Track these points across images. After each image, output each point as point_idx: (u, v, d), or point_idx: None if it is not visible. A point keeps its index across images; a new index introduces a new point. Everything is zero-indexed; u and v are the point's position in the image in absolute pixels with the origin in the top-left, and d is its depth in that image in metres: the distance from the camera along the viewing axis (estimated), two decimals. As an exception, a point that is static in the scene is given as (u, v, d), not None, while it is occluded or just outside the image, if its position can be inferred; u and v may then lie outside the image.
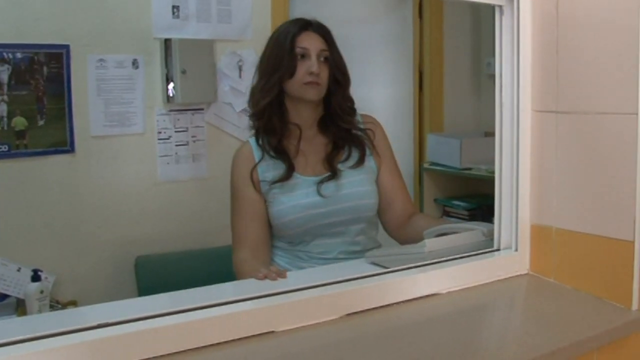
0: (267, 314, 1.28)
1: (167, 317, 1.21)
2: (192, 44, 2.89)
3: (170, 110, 2.93)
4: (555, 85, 1.55)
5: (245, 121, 3.04)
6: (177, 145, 2.95)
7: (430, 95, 3.85)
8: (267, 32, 3.09)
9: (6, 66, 2.55)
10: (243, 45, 3.07)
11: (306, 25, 1.87)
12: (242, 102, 3.06)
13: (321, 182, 1.84)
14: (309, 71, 1.81)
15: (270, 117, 1.84)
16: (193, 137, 2.99)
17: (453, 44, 3.90)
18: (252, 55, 3.07)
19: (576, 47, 1.50)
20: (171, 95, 2.88)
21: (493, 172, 1.67)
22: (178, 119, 2.95)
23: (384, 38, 3.76)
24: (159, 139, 2.91)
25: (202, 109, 3.00)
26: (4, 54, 2.54)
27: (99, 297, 2.65)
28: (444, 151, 3.60)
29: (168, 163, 2.94)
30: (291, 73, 1.81)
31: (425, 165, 3.74)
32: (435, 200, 3.79)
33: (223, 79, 3.03)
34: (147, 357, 1.15)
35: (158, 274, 2.78)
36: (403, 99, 3.84)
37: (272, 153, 1.85)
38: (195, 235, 2.97)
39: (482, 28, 3.96)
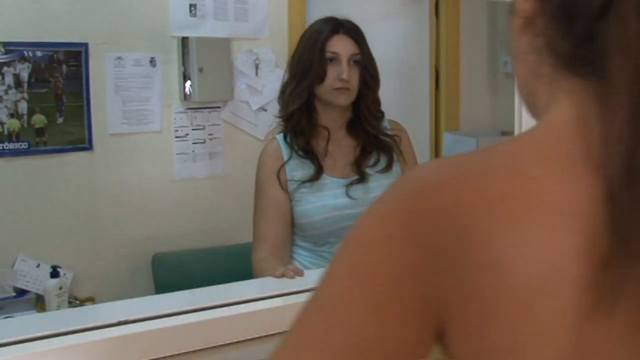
0: (286, 312, 1.29)
1: (185, 315, 1.22)
2: (209, 42, 2.90)
3: (188, 108, 2.94)
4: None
5: (262, 119, 3.08)
6: (193, 143, 2.96)
7: (446, 93, 3.83)
8: (283, 31, 3.13)
9: (26, 64, 2.57)
10: (260, 44, 3.07)
11: (337, 27, 1.85)
12: (258, 100, 3.07)
13: (350, 184, 1.83)
14: (339, 77, 1.80)
15: (299, 119, 1.84)
16: (210, 135, 3.00)
17: (469, 42, 3.88)
18: (268, 54, 3.08)
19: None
20: (188, 93, 2.89)
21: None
22: (195, 117, 2.96)
23: (400, 36, 3.75)
24: (176, 137, 2.93)
25: (219, 107, 3.01)
26: (24, 52, 2.57)
27: (116, 293, 2.67)
28: (460, 150, 3.58)
29: (185, 161, 2.95)
30: (321, 78, 1.81)
31: (442, 164, 3.73)
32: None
33: (240, 77, 3.04)
34: (165, 355, 1.16)
35: (175, 271, 2.79)
36: (419, 97, 3.83)
37: (300, 153, 1.85)
38: (211, 232, 2.98)
39: (498, 26, 3.94)
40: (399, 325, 0.52)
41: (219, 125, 3.02)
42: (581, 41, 0.51)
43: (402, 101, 3.74)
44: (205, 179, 3.00)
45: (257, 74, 3.06)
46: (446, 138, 3.73)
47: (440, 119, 3.85)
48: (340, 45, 1.82)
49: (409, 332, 0.53)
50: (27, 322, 1.36)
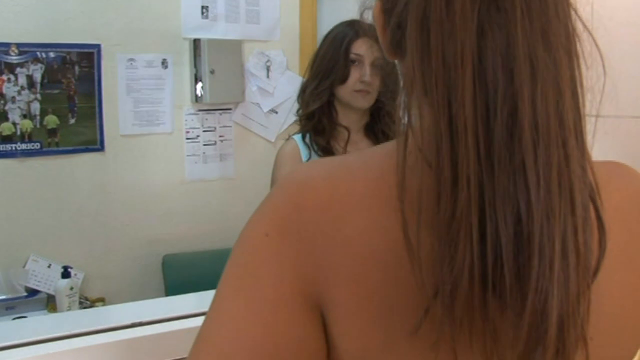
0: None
1: (200, 318, 1.22)
2: (221, 44, 2.91)
3: (199, 110, 2.95)
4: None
5: (272, 121, 3.09)
6: (204, 145, 2.97)
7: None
8: (295, 33, 3.13)
9: (39, 65, 2.59)
10: (271, 46, 3.08)
11: (363, 29, 1.83)
12: (269, 102, 3.07)
13: None
14: (362, 79, 1.80)
15: (320, 118, 1.84)
16: (220, 136, 3.01)
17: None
18: (279, 56, 3.08)
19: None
20: (199, 95, 2.90)
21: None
22: (206, 119, 2.97)
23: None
24: (187, 139, 2.93)
25: (229, 109, 3.02)
26: (37, 53, 2.58)
27: (127, 294, 2.68)
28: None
29: (196, 162, 2.96)
30: (343, 79, 1.81)
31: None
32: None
33: (251, 79, 3.04)
34: (181, 356, 1.16)
35: (185, 273, 2.80)
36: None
37: (320, 153, 1.84)
38: (222, 234, 2.98)
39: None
40: (285, 323, 0.54)
41: (229, 127, 3.02)
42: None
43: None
44: (216, 181, 3.01)
45: (268, 76, 3.07)
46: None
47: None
48: (365, 48, 1.82)
49: (296, 328, 0.54)
50: (41, 323, 1.36)
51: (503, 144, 0.47)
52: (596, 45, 0.53)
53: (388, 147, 0.58)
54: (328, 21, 2.97)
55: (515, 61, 0.48)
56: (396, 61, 0.62)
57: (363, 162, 0.59)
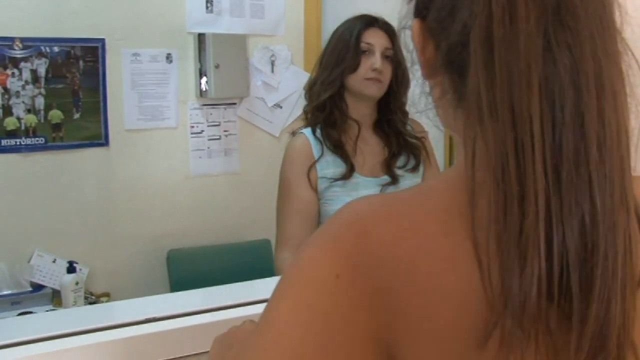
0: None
1: (209, 314, 1.21)
2: (226, 39, 2.90)
3: (203, 105, 2.94)
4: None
5: (277, 116, 3.08)
6: (209, 140, 2.97)
7: (461, 91, 3.81)
8: (299, 28, 3.12)
9: (43, 60, 2.58)
10: (276, 41, 3.07)
11: (372, 21, 1.84)
12: (274, 97, 3.07)
13: (384, 185, 1.81)
14: (373, 67, 1.78)
15: (331, 110, 1.81)
16: (225, 131, 3.00)
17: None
18: (284, 51, 3.07)
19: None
20: (204, 89, 2.89)
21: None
22: (211, 114, 2.96)
23: (415, 33, 3.73)
24: (192, 133, 2.93)
25: (234, 104, 3.01)
26: (42, 47, 2.57)
27: (132, 289, 2.68)
28: (475, 148, 3.57)
29: (200, 157, 2.95)
30: (354, 67, 1.79)
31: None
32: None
33: (255, 74, 3.03)
34: (189, 353, 1.15)
35: (190, 268, 2.80)
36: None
37: (332, 148, 1.81)
38: (226, 229, 2.98)
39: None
40: None
41: (234, 121, 3.02)
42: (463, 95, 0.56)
43: (415, 100, 3.72)
44: (220, 176, 3.00)
45: (272, 70, 3.06)
46: (461, 136, 3.70)
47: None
48: (375, 38, 1.81)
49: None
50: (46, 319, 1.36)
51: (571, 160, 0.50)
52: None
53: (443, 179, 0.59)
54: (333, 16, 2.96)
55: (582, 78, 0.50)
56: (428, 81, 0.64)
57: (422, 197, 0.59)
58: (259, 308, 1.23)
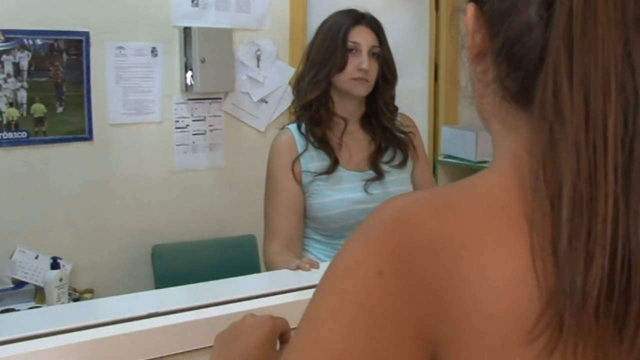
0: (299, 308, 1.27)
1: (198, 311, 1.20)
2: (211, 33, 2.88)
3: (188, 99, 2.92)
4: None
5: (262, 111, 3.06)
6: (194, 135, 2.94)
7: (445, 87, 3.83)
8: (285, 22, 3.11)
9: (26, 52, 2.54)
10: (261, 35, 3.05)
11: (359, 18, 1.84)
12: (259, 92, 3.05)
13: (369, 180, 1.83)
14: (359, 67, 1.79)
15: (317, 109, 1.83)
16: (210, 126, 2.98)
17: (469, 36, 3.87)
18: (270, 45, 3.05)
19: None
20: (189, 84, 2.86)
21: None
22: (196, 108, 2.94)
23: (400, 30, 3.73)
24: (177, 128, 2.90)
25: (219, 98, 2.99)
26: (24, 40, 2.53)
27: (116, 285, 2.65)
28: (459, 144, 3.58)
29: (185, 152, 2.93)
30: (341, 67, 1.80)
31: (440, 158, 3.73)
32: (449, 193, 3.77)
33: (241, 68, 3.01)
34: (177, 352, 1.14)
35: (175, 263, 2.78)
36: (418, 91, 3.82)
37: (316, 144, 1.84)
38: (211, 224, 2.97)
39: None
40: None
41: (219, 116, 3.00)
42: (523, 83, 0.56)
43: (401, 94, 3.72)
44: (206, 171, 2.98)
45: (258, 65, 3.04)
46: (445, 132, 3.72)
47: (439, 112, 3.85)
48: (362, 36, 1.82)
49: None
50: (28, 316, 1.33)
51: None
52: None
53: (488, 176, 0.59)
54: (318, 10, 2.95)
55: None
56: (471, 66, 0.63)
57: (465, 193, 0.59)
58: (246, 305, 1.23)
